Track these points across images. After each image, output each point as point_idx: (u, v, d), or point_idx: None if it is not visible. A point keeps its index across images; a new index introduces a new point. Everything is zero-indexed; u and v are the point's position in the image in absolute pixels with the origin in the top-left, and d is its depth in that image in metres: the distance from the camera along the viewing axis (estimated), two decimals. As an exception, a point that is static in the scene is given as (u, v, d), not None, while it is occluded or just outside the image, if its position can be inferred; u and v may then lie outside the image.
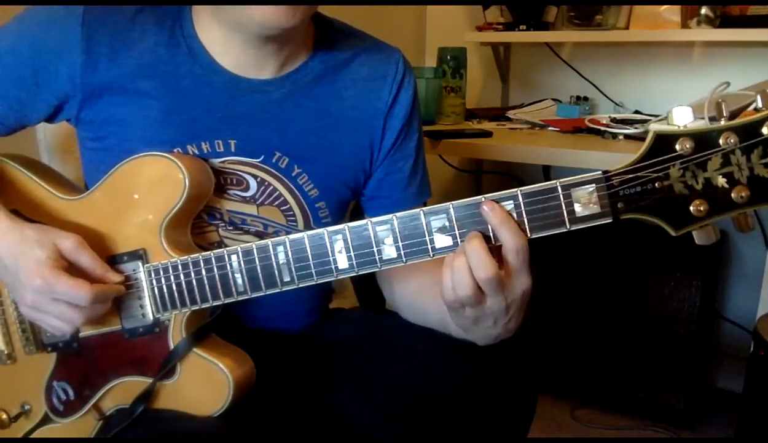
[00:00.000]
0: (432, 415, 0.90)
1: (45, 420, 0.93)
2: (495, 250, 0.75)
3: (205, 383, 0.87)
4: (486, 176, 2.59)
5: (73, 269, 0.83)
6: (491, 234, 0.75)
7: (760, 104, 0.68)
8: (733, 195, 0.68)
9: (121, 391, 0.91)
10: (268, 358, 0.94)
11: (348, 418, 0.98)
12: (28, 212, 0.92)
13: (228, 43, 0.91)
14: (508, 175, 2.50)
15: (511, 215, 0.74)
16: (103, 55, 0.89)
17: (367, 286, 1.18)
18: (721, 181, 0.68)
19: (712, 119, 0.71)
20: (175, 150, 0.92)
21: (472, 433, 0.88)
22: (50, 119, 0.95)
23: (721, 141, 0.68)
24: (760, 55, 2.04)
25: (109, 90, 0.90)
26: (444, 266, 0.77)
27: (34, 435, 0.94)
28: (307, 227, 0.99)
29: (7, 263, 0.83)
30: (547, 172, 2.30)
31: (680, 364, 2.02)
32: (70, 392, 0.92)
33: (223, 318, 0.91)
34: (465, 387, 0.89)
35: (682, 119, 0.70)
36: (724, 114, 0.69)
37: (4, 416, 0.95)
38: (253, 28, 0.86)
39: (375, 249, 0.79)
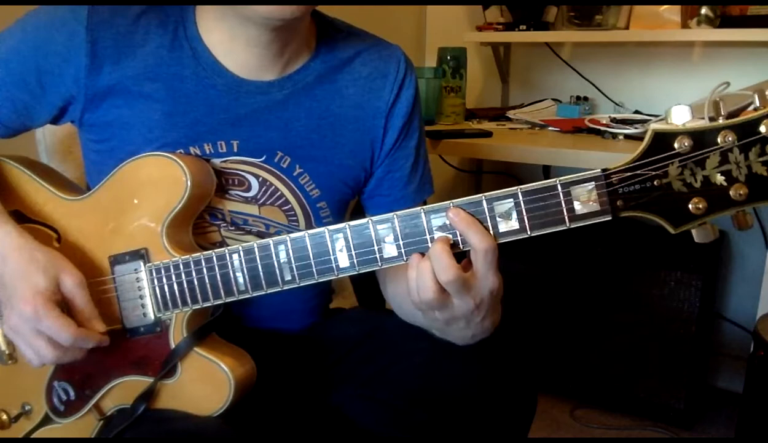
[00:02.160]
0: (432, 415, 0.90)
1: (45, 421, 0.93)
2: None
3: (206, 382, 0.87)
4: (486, 176, 2.59)
5: (63, 305, 0.83)
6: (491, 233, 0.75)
7: (758, 103, 0.69)
8: (731, 193, 0.69)
9: (122, 391, 0.91)
10: (268, 358, 0.94)
11: (348, 418, 0.98)
12: (29, 212, 0.92)
13: (232, 44, 0.91)
14: (508, 175, 2.50)
15: (476, 218, 0.75)
16: (107, 58, 0.89)
17: (367, 286, 1.18)
18: (720, 179, 0.69)
19: (711, 120, 0.71)
20: (178, 152, 0.92)
21: (473, 433, 0.88)
22: (54, 120, 0.95)
23: (719, 139, 0.68)
24: (760, 55, 2.04)
25: (112, 93, 0.90)
26: (408, 269, 0.78)
27: (34, 436, 0.94)
28: (309, 226, 0.99)
29: (6, 281, 0.83)
30: (547, 172, 2.30)
31: (680, 364, 2.02)
32: (71, 392, 0.92)
33: (224, 318, 0.91)
34: (465, 387, 0.90)
35: (680, 117, 0.70)
36: (722, 113, 0.69)
37: (5, 416, 0.95)
38: (257, 21, 0.86)
39: (376, 248, 0.79)
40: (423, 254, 0.77)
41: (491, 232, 0.75)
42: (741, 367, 1.83)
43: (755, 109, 0.69)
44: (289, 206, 0.97)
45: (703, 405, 2.16)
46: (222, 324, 0.91)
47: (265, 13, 0.84)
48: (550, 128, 2.01)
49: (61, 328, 0.80)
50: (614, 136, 1.80)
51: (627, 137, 1.78)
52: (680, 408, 2.04)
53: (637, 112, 2.13)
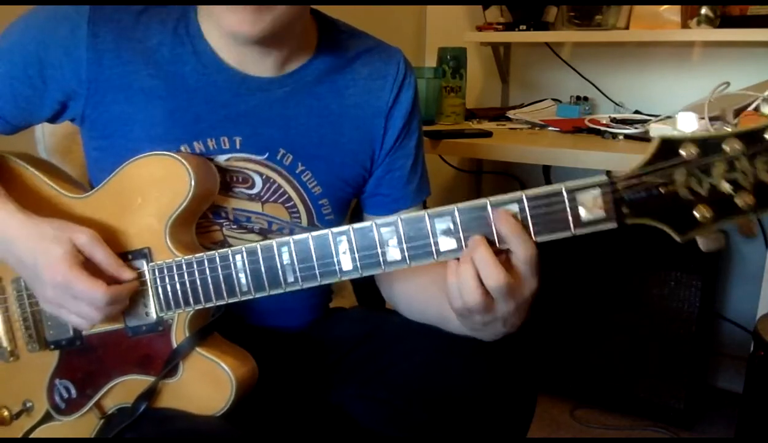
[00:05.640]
0: (433, 414, 0.90)
1: (46, 418, 0.93)
2: (498, 253, 0.74)
3: (207, 382, 0.87)
4: (486, 176, 2.59)
5: (90, 264, 0.84)
6: (495, 238, 0.74)
7: (765, 110, 0.67)
8: (737, 201, 0.67)
9: (123, 390, 0.91)
10: (269, 357, 0.94)
11: (349, 417, 0.98)
12: (33, 209, 0.91)
13: (227, 41, 0.91)
14: (508, 175, 2.50)
15: (522, 225, 0.73)
16: (109, 52, 0.90)
17: (366, 286, 1.18)
18: (726, 187, 0.67)
19: (712, 120, 0.70)
20: (182, 148, 0.92)
21: (472, 432, 0.88)
22: (56, 117, 0.95)
23: (725, 147, 0.66)
24: (760, 55, 2.04)
25: (114, 88, 0.91)
26: (448, 273, 0.77)
27: (35, 433, 0.94)
28: (311, 224, 0.99)
29: (25, 259, 0.84)
30: (547, 172, 2.30)
31: (680, 364, 2.02)
32: (73, 390, 0.92)
33: (225, 317, 0.91)
34: (466, 387, 0.90)
35: (687, 125, 0.69)
36: (729, 120, 0.68)
37: (6, 413, 0.95)
38: (229, 35, 0.87)
39: (379, 251, 0.78)
40: (458, 259, 0.76)
41: (494, 237, 0.74)
42: (741, 367, 1.83)
43: (758, 113, 0.68)
44: (292, 202, 0.98)
45: (703, 405, 2.16)
46: (223, 323, 0.91)
47: (229, 30, 0.85)
48: (550, 128, 2.01)
49: (93, 289, 0.81)
50: (614, 136, 1.80)
51: (627, 137, 1.78)
52: (680, 408, 2.04)
53: (637, 112, 2.13)
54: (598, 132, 1.86)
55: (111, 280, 0.84)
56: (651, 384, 2.06)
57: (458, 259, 0.76)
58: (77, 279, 0.81)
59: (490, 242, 0.74)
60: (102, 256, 0.85)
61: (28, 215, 0.86)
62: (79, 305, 0.83)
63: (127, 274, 0.86)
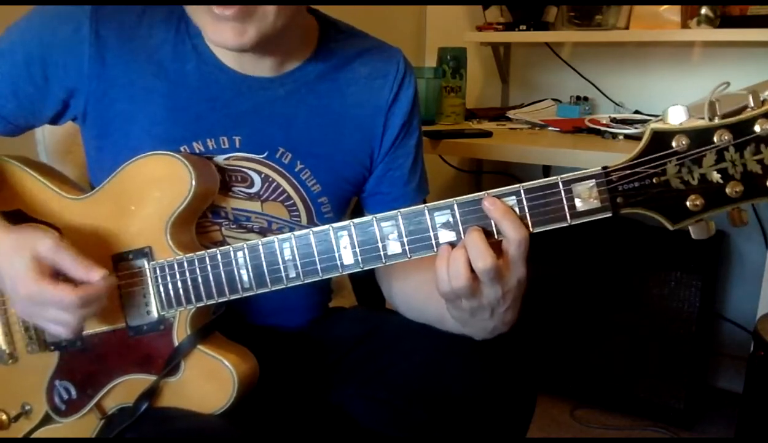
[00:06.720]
0: (432, 414, 0.90)
1: (45, 420, 0.93)
2: (493, 245, 0.76)
3: (209, 379, 0.87)
4: (486, 176, 2.59)
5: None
6: (493, 229, 0.76)
7: (751, 104, 0.70)
8: (727, 190, 0.70)
9: (124, 389, 0.91)
10: (269, 356, 0.94)
11: (349, 417, 0.98)
12: (31, 211, 0.92)
13: None
14: (508, 175, 2.50)
15: (512, 209, 0.75)
16: (111, 51, 0.90)
17: (366, 286, 1.18)
18: (716, 176, 0.70)
19: (709, 120, 0.72)
20: (182, 148, 0.92)
21: (472, 432, 0.89)
22: (58, 116, 0.95)
23: (715, 138, 0.69)
24: (760, 55, 2.05)
25: (115, 86, 0.91)
26: (438, 258, 0.78)
27: (34, 436, 0.93)
28: (311, 222, 0.99)
29: (2, 273, 0.83)
30: (547, 172, 2.30)
31: (680, 364, 2.02)
32: (73, 391, 0.92)
33: (225, 315, 0.91)
34: (465, 387, 0.90)
35: (677, 117, 0.72)
36: (718, 113, 0.71)
37: (4, 417, 0.94)
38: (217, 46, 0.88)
39: (380, 245, 0.79)
40: (452, 246, 0.78)
41: (493, 229, 0.76)
42: (741, 367, 1.83)
43: (751, 110, 0.70)
44: (292, 201, 0.98)
45: (703, 405, 2.17)
46: (223, 322, 0.92)
47: (214, 40, 0.85)
48: (550, 128, 2.02)
49: (59, 295, 0.79)
50: (614, 136, 1.80)
51: (627, 137, 1.78)
52: (680, 408, 2.04)
53: (637, 112, 2.13)
54: (598, 132, 1.86)
55: (81, 283, 0.81)
56: (651, 384, 2.07)
57: (452, 247, 0.78)
58: (42, 289, 0.79)
59: (488, 234, 0.76)
60: (67, 261, 0.81)
61: (4, 228, 0.84)
62: (52, 313, 0.81)
63: (95, 275, 0.81)
